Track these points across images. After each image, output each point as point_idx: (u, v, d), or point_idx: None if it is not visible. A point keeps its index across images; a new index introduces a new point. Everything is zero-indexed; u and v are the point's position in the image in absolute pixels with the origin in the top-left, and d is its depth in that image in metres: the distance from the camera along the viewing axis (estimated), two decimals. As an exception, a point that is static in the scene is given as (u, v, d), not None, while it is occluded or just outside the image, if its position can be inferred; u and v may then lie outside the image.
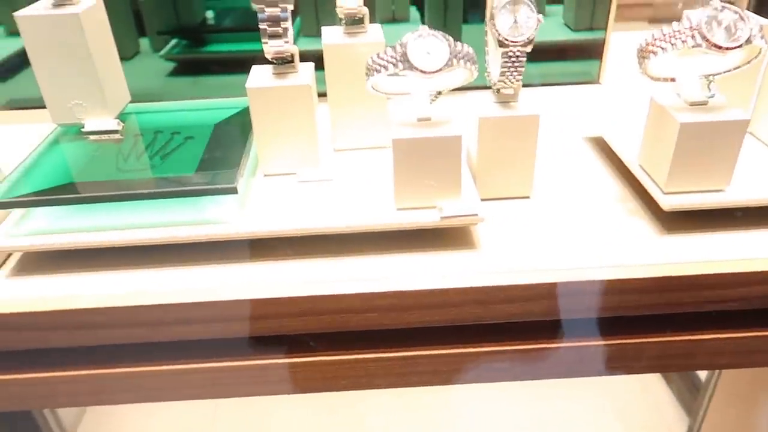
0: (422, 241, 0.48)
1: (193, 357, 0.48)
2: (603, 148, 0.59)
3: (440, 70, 0.42)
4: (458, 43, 0.43)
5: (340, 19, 0.54)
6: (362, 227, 0.46)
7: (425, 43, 0.42)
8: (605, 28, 0.70)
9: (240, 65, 0.84)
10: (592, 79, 0.71)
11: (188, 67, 0.83)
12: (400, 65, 0.43)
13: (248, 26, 0.84)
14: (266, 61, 0.51)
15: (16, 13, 0.49)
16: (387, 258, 0.46)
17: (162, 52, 0.79)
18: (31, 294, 0.45)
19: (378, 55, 0.44)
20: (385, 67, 0.43)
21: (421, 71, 0.42)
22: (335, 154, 0.56)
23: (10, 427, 1.05)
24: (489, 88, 0.51)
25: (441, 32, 0.43)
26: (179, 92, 0.81)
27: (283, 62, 0.50)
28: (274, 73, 0.50)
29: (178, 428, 1.19)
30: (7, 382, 0.48)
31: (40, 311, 0.44)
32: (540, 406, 1.20)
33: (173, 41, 0.82)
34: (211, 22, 0.84)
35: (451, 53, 0.42)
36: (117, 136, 0.54)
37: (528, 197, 0.52)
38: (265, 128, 0.50)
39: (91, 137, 0.54)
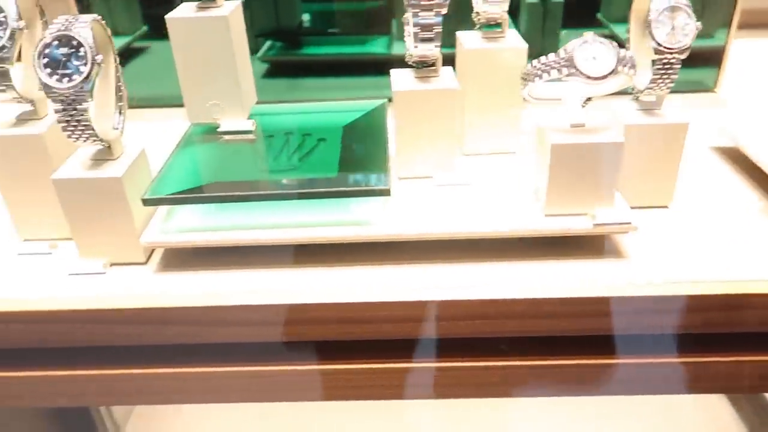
0: (565, 248, 0.47)
1: (313, 359, 0.48)
2: (732, 157, 0.58)
3: (606, 76, 0.42)
4: (622, 50, 0.43)
5: (474, 24, 0.54)
6: (512, 232, 0.46)
7: (591, 48, 0.42)
8: (718, 36, 0.69)
9: (334, 68, 0.85)
10: (707, 88, 0.70)
11: (282, 69, 0.84)
12: (564, 70, 0.43)
13: (344, 29, 0.84)
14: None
15: (167, 16, 0.50)
16: (533, 265, 0.46)
17: (258, 54, 0.80)
18: (172, 290, 0.46)
19: (539, 60, 0.44)
20: (548, 72, 0.43)
21: (587, 77, 0.42)
22: (464, 158, 0.56)
23: (63, 419, 1.05)
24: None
25: (606, 39, 0.43)
26: (274, 94, 0.82)
27: (424, 66, 0.51)
28: (416, 77, 0.50)
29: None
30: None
31: (192, 307, 0.44)
32: (597, 423, 1.16)
33: (268, 43, 0.83)
34: (307, 25, 0.85)
35: (618, 60, 0.42)
36: (250, 136, 0.55)
37: (666, 207, 0.51)
38: (407, 131, 0.50)
39: (225, 137, 0.55)
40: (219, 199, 0.46)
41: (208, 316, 0.45)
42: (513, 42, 0.52)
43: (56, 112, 0.42)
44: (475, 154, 0.55)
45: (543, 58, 0.44)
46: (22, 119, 0.49)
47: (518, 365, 0.45)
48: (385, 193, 0.45)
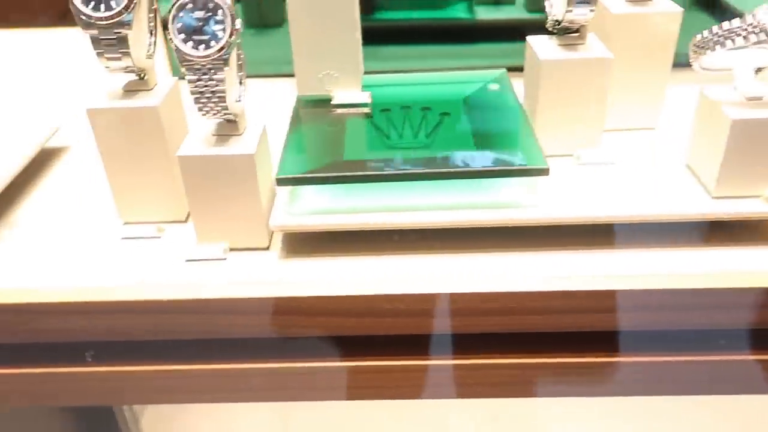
0: (729, 232, 0.43)
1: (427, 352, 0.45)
2: None
3: (804, 43, 0.38)
4: (814, 14, 0.39)
5: (611, -13, 0.49)
6: (681, 216, 0.42)
7: (785, 13, 0.38)
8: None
9: (410, 34, 0.80)
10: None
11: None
12: (753, 37, 0.38)
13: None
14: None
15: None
16: (702, 252, 0.42)
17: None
18: (303, 278, 0.42)
19: (720, 27, 0.39)
20: (732, 40, 0.39)
21: (782, 45, 0.38)
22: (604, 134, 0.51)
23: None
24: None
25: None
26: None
27: (567, 32, 0.46)
28: (560, 45, 0.46)
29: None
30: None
31: (330, 296, 0.41)
32: (663, 423, 1.13)
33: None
34: (379, -11, 0.79)
35: (815, 25, 0.38)
36: (366, 110, 0.50)
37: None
38: (552, 104, 0.46)
39: (338, 110, 0.50)
40: (361, 178, 0.42)
41: (344, 305, 0.41)
42: (665, 5, 0.47)
43: (190, 82, 0.38)
44: (614, 130, 0.51)
45: (725, 24, 0.39)
46: (130, 90, 0.44)
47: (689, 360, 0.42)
48: (544, 172, 0.41)
